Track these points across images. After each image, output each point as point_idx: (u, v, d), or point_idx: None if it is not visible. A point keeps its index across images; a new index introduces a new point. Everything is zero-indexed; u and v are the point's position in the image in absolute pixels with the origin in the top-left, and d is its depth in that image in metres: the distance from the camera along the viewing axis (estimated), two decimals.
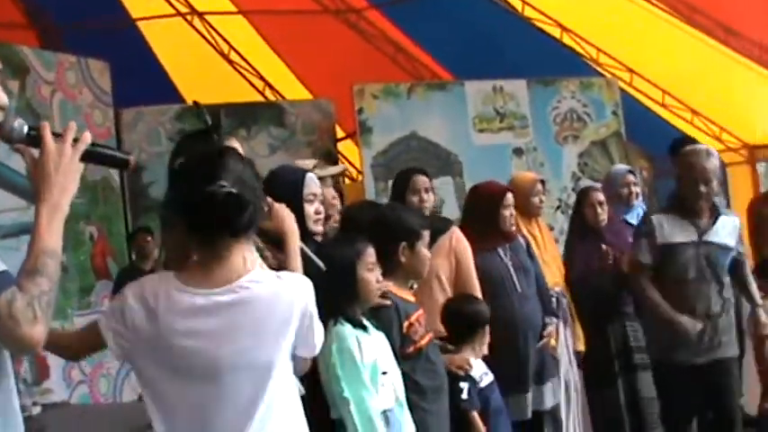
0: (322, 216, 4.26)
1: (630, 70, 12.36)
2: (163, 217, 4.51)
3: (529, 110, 11.28)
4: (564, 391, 6.39)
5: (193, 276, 2.86)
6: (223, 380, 2.80)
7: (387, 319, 4.30)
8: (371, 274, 4.09)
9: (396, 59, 12.71)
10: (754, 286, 6.22)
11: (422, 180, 5.80)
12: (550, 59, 12.05)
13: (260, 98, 13.05)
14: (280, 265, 3.47)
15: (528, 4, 11.78)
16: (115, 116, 10.22)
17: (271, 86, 13.29)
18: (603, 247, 6.57)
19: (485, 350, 5.28)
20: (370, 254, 4.11)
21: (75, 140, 2.45)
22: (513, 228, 6.13)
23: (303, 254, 3.63)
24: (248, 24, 12.34)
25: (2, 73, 4.85)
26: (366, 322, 4.04)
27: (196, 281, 2.85)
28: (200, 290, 2.83)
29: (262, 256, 3.38)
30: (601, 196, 6.87)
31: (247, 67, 13.12)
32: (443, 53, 12.65)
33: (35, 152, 2.44)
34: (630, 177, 7.28)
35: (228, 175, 2.83)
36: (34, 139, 2.43)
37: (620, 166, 7.96)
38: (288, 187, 4.03)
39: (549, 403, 6.11)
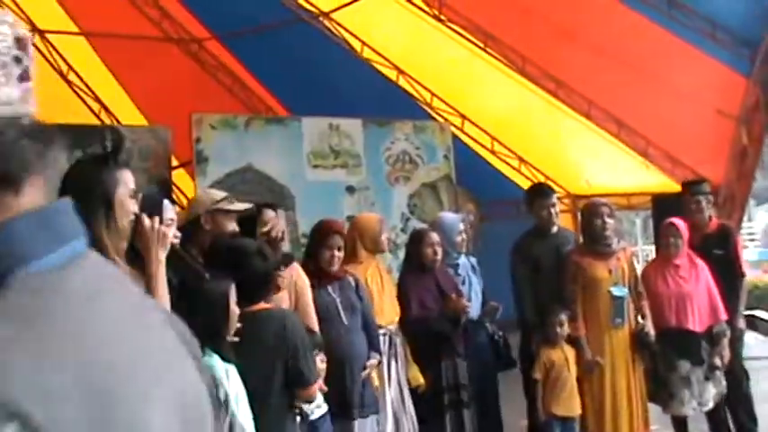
0: (178, 239, 4.38)
1: (462, 116, 12.72)
2: None
3: (363, 149, 11.46)
4: (394, 427, 6.52)
5: None
6: None
7: None
8: (235, 307, 4.21)
9: (233, 91, 12.82)
10: None
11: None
12: (386, 101, 12.33)
13: (95, 120, 12.94)
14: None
15: (367, 45, 12.05)
16: None
17: (107, 110, 13.22)
18: (453, 296, 6.76)
19: (319, 383, 5.38)
20: (233, 288, 4.24)
21: None
22: (335, 268, 6.28)
23: (184, 261, 3.72)
24: (89, 46, 12.28)
25: None
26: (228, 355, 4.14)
27: None
28: None
29: None
30: (437, 238, 7.06)
31: (85, 88, 13.02)
32: (280, 88, 12.82)
33: None
34: (462, 226, 7.44)
35: None
36: None
37: (452, 215, 7.98)
38: (147, 212, 4.09)
39: None
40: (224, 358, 4.10)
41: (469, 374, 6.93)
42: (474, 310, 7.08)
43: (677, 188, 12.00)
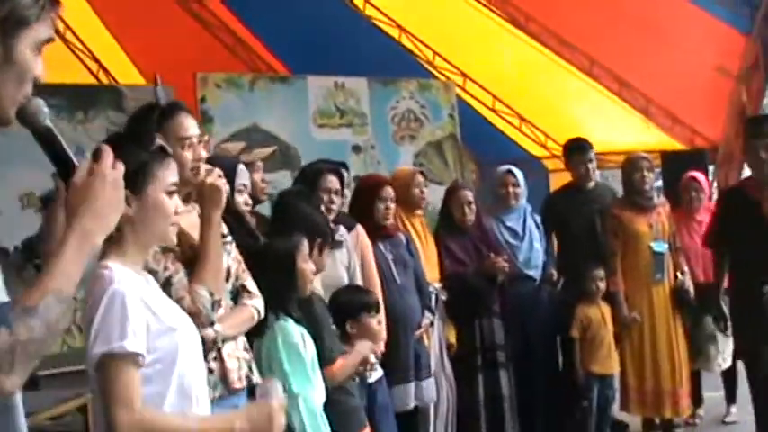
0: (249, 206, 4.32)
1: (464, 74, 12.66)
2: None
3: (368, 108, 11.34)
4: (435, 388, 6.50)
5: None
6: None
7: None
8: (307, 265, 4.13)
9: (234, 50, 12.69)
10: None
11: (331, 180, 5.58)
12: (388, 59, 12.23)
13: (93, 80, 12.77)
14: (190, 258, 3.47)
15: (369, 2, 11.96)
16: None
17: (105, 69, 13.03)
18: (492, 255, 6.74)
19: (381, 346, 5.31)
20: (305, 245, 4.15)
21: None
22: (391, 222, 6.20)
23: (243, 223, 3.68)
24: (86, 4, 12.07)
25: None
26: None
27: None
28: None
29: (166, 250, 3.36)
30: (469, 196, 7.01)
31: (82, 48, 12.83)
32: (282, 47, 12.69)
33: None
34: (510, 178, 7.36)
35: None
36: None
37: (501, 167, 7.75)
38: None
39: (429, 399, 6.20)
40: (297, 321, 4.05)
41: (529, 334, 6.94)
42: (536, 264, 7.07)
43: (677, 146, 12.10)
